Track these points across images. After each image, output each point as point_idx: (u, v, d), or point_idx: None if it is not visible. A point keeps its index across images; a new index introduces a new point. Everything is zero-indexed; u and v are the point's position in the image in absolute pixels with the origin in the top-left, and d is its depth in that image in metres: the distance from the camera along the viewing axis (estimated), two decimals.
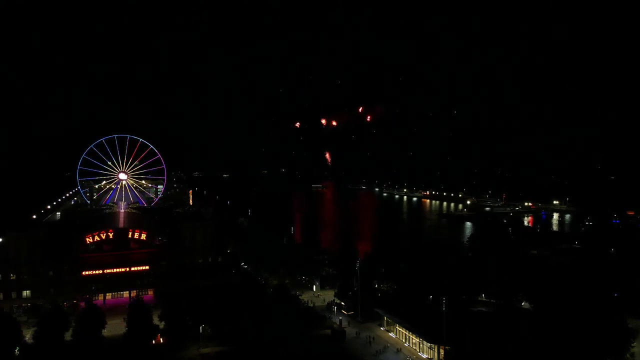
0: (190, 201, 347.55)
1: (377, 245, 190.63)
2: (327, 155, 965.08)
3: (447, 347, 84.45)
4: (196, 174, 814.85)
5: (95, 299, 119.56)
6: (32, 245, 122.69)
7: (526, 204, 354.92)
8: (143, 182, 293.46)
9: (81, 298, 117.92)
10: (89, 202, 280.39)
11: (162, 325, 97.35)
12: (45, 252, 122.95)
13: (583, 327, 79.67)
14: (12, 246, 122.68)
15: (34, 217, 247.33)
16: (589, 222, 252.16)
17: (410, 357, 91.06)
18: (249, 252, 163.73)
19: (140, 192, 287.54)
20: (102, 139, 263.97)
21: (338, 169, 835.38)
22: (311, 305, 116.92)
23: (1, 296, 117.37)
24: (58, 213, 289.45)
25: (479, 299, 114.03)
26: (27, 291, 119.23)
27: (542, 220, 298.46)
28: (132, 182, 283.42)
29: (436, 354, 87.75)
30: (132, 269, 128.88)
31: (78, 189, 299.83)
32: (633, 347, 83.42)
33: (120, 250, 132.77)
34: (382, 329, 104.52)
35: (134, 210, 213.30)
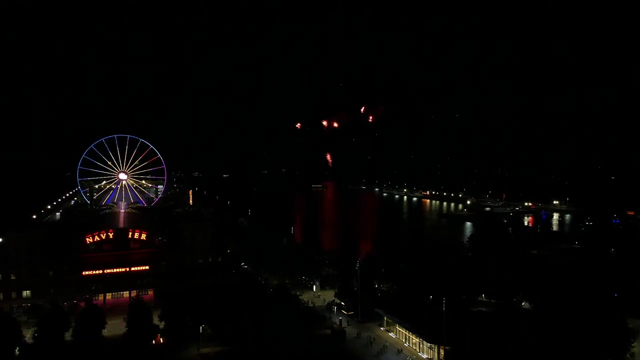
0: (190, 201, 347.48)
1: (377, 245, 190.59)
2: (328, 157, 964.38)
3: (447, 347, 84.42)
4: (196, 174, 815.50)
5: (95, 299, 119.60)
6: (32, 245, 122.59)
7: (526, 204, 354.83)
8: (143, 182, 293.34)
9: (81, 298, 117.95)
10: (89, 202, 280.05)
11: (162, 325, 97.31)
12: (45, 252, 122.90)
13: (583, 327, 79.62)
14: (12, 246, 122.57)
15: (34, 217, 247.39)
16: (589, 222, 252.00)
17: (410, 357, 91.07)
18: (249, 252, 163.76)
19: (140, 192, 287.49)
20: (102, 139, 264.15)
21: (338, 169, 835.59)
22: (311, 305, 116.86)
23: (1, 296, 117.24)
24: (58, 213, 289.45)
25: (479, 299, 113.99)
26: (27, 291, 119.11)
27: (542, 220, 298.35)
28: (132, 182, 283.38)
29: (436, 354, 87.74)
30: (132, 269, 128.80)
31: (78, 189, 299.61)
32: (633, 347, 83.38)
33: (120, 250, 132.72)
34: (382, 329, 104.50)
35: (134, 210, 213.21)
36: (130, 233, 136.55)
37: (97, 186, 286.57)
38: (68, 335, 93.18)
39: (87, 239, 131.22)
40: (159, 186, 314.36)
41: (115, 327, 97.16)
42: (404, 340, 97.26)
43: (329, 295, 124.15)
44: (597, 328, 79.74)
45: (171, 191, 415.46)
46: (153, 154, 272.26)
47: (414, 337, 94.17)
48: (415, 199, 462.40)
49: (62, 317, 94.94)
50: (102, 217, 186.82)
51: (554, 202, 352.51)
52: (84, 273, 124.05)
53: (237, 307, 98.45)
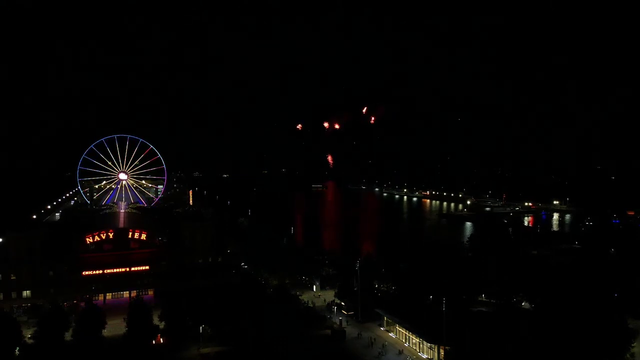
0: (190, 201, 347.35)
1: (378, 245, 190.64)
2: (329, 158, 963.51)
3: (447, 347, 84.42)
4: (196, 174, 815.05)
5: (95, 299, 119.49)
6: (32, 245, 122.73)
7: (526, 204, 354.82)
8: (143, 182, 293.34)
9: (81, 298, 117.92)
10: (89, 202, 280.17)
11: (162, 325, 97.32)
12: (45, 252, 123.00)
13: (583, 327, 79.59)
14: (12, 246, 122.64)
15: (34, 217, 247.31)
16: (589, 222, 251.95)
17: (410, 357, 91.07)
18: (249, 252, 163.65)
19: (140, 192, 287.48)
20: (103, 139, 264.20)
21: (338, 169, 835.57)
22: (311, 305, 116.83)
23: (1, 296, 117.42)
24: (58, 213, 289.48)
25: (479, 299, 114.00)
26: (27, 291, 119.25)
27: (542, 220, 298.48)
28: (132, 182, 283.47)
29: (436, 354, 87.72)
30: (132, 269, 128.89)
31: (78, 189, 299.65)
32: (633, 347, 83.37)
33: (120, 250, 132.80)
34: (382, 329, 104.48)
35: (134, 210, 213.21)
36: (130, 233, 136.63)
37: (97, 186, 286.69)
38: (68, 335, 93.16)
39: (87, 239, 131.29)
40: (159, 186, 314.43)
41: (115, 327, 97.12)
42: (404, 340, 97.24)
43: (329, 295, 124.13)
44: (597, 328, 79.68)
45: (171, 191, 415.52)
46: (153, 154, 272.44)
47: (414, 337, 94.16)
48: (415, 199, 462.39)
49: (62, 317, 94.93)
50: (102, 217, 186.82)
51: (554, 202, 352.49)
52: (84, 273, 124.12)
53: (237, 307, 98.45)
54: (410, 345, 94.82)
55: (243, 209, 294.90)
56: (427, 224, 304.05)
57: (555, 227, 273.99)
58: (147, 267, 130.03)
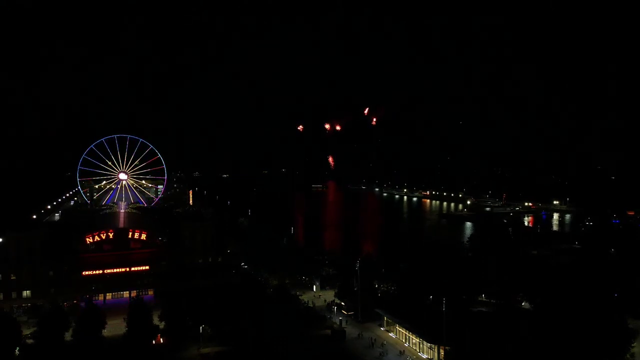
0: (190, 201, 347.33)
1: (378, 245, 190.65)
2: (330, 159, 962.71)
3: (447, 347, 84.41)
4: (196, 174, 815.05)
5: (95, 299, 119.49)
6: (32, 245, 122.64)
7: (526, 204, 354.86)
8: (143, 182, 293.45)
9: (81, 298, 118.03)
10: (89, 202, 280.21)
11: (162, 325, 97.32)
12: (45, 252, 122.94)
13: (583, 327, 79.58)
14: (12, 246, 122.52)
15: (34, 217, 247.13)
16: (589, 222, 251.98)
17: (411, 357, 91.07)
18: (249, 252, 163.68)
19: (140, 192, 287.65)
20: (103, 139, 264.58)
21: (339, 169, 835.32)
22: (311, 305, 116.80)
23: (1, 296, 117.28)
24: (57, 214, 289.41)
25: (479, 299, 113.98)
26: (27, 291, 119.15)
27: (542, 220, 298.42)
28: (132, 182, 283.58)
29: (436, 354, 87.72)
30: (132, 269, 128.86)
31: (78, 189, 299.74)
32: (633, 347, 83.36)
33: (120, 250, 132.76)
34: (382, 329, 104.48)
35: (134, 210, 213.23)
36: (130, 233, 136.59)
37: (97, 186, 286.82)
38: (68, 335, 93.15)
39: (87, 239, 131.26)
40: (159, 186, 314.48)
41: (115, 327, 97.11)
42: (403, 340, 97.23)
43: (329, 295, 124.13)
44: (597, 328, 79.68)
45: (171, 191, 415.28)
46: (153, 154, 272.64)
47: (414, 337, 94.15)
48: (415, 199, 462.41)
49: (62, 317, 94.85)
50: (102, 217, 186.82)
51: (554, 202, 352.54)
52: (84, 273, 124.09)
53: (237, 307, 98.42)
54: (410, 345, 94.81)
55: (243, 209, 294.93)
56: (427, 224, 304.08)
57: (555, 227, 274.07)
58: (147, 267, 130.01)
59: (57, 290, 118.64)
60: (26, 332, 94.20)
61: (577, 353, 76.90)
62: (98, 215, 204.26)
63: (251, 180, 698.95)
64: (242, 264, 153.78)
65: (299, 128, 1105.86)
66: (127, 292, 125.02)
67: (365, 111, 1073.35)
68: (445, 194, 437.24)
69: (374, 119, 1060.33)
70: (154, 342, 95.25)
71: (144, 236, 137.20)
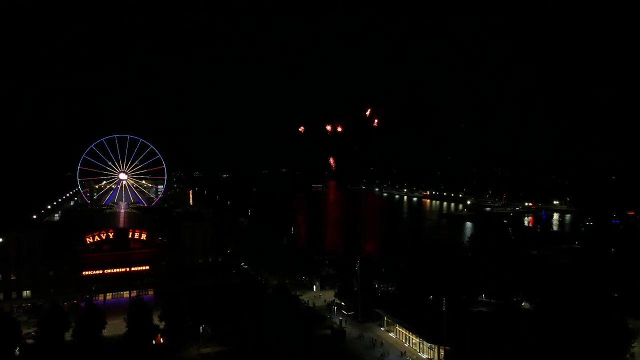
0: (190, 201, 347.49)
1: (378, 245, 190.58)
2: (331, 160, 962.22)
3: (447, 347, 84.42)
4: (196, 174, 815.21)
5: (95, 299, 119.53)
6: (32, 245, 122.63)
7: (526, 204, 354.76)
8: (143, 182, 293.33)
9: (81, 298, 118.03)
10: (89, 202, 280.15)
11: (162, 325, 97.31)
12: (45, 252, 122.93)
13: (583, 327, 79.59)
14: (12, 246, 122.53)
15: (34, 217, 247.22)
16: (589, 222, 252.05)
17: (411, 357, 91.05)
18: (249, 252, 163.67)
19: (140, 192, 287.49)
20: (103, 139, 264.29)
21: (339, 170, 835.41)
22: (311, 305, 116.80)
23: (1, 296, 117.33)
24: (57, 214, 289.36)
25: (479, 299, 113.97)
26: (27, 291, 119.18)
27: (542, 220, 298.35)
28: (132, 182, 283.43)
29: (436, 354, 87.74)
30: (132, 269, 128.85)
31: (78, 189, 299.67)
32: (633, 347, 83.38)
33: (120, 250, 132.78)
34: (382, 329, 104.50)
35: (134, 210, 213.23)
36: (130, 233, 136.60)
37: (97, 186, 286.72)
38: (68, 335, 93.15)
39: (87, 239, 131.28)
40: (159, 186, 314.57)
41: (115, 327, 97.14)
42: (404, 340, 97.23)
43: (329, 295, 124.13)
44: (597, 328, 79.69)
45: (171, 191, 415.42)
46: (153, 154, 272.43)
47: (414, 337, 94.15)
48: (415, 199, 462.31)
49: (62, 317, 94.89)
50: (102, 217, 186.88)
51: (554, 202, 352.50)
52: (84, 273, 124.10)
53: (237, 307, 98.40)
54: (410, 345, 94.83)
55: (243, 209, 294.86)
56: (427, 224, 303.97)
57: (555, 227, 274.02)
58: (147, 267, 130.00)
59: (57, 290, 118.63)
60: (26, 332, 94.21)
61: (577, 353, 76.92)
62: (98, 215, 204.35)
63: (251, 180, 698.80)
64: (242, 264, 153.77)
65: (300, 129, 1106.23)
66: (127, 292, 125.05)
67: (367, 112, 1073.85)
68: (445, 194, 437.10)
69: (376, 120, 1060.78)
70: (154, 342, 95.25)
71: (144, 236, 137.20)
